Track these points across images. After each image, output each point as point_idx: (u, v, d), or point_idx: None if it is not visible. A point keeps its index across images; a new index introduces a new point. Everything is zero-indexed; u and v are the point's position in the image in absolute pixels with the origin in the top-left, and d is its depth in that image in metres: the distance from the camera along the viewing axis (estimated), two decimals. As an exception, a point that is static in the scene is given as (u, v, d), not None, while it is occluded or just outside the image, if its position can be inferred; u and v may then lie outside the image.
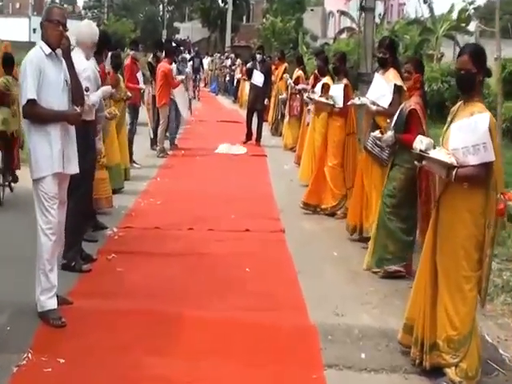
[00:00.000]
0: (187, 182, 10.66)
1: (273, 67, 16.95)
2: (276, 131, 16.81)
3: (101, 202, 8.22)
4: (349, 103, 7.98)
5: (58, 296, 5.05)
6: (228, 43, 44.12)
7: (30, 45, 6.04)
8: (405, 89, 6.73)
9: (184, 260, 6.58)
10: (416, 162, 4.67)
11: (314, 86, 11.67)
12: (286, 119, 14.93)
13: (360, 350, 4.85)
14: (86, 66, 6.11)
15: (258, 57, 15.53)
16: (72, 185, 5.49)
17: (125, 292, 5.66)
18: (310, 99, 9.80)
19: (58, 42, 4.95)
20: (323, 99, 8.85)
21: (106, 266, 6.29)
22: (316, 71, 11.92)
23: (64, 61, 5.03)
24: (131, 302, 5.41)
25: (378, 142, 6.89)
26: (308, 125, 11.92)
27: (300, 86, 13.73)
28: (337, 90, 8.70)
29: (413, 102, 6.27)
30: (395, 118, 6.41)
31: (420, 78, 6.37)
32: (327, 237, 7.91)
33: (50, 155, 4.89)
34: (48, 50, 4.93)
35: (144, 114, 13.03)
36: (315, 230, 8.20)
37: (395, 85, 7.12)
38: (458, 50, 12.50)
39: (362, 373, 4.58)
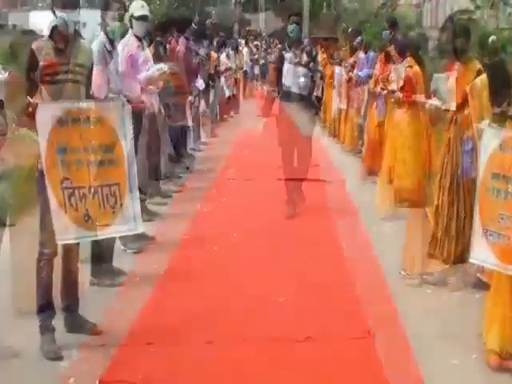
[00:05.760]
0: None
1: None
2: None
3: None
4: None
5: None
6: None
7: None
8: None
9: None
10: None
11: (382, 72, 8.41)
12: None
13: None
14: None
15: (291, 29, 7.34)
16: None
17: None
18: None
19: None
20: (433, 102, 5.29)
21: None
22: (389, 50, 8.39)
23: None
24: None
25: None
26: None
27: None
28: (447, 84, 5.18)
29: None
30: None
31: None
32: (455, 344, 4.32)
33: None
34: None
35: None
36: (434, 333, 4.54)
37: None
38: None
39: None
